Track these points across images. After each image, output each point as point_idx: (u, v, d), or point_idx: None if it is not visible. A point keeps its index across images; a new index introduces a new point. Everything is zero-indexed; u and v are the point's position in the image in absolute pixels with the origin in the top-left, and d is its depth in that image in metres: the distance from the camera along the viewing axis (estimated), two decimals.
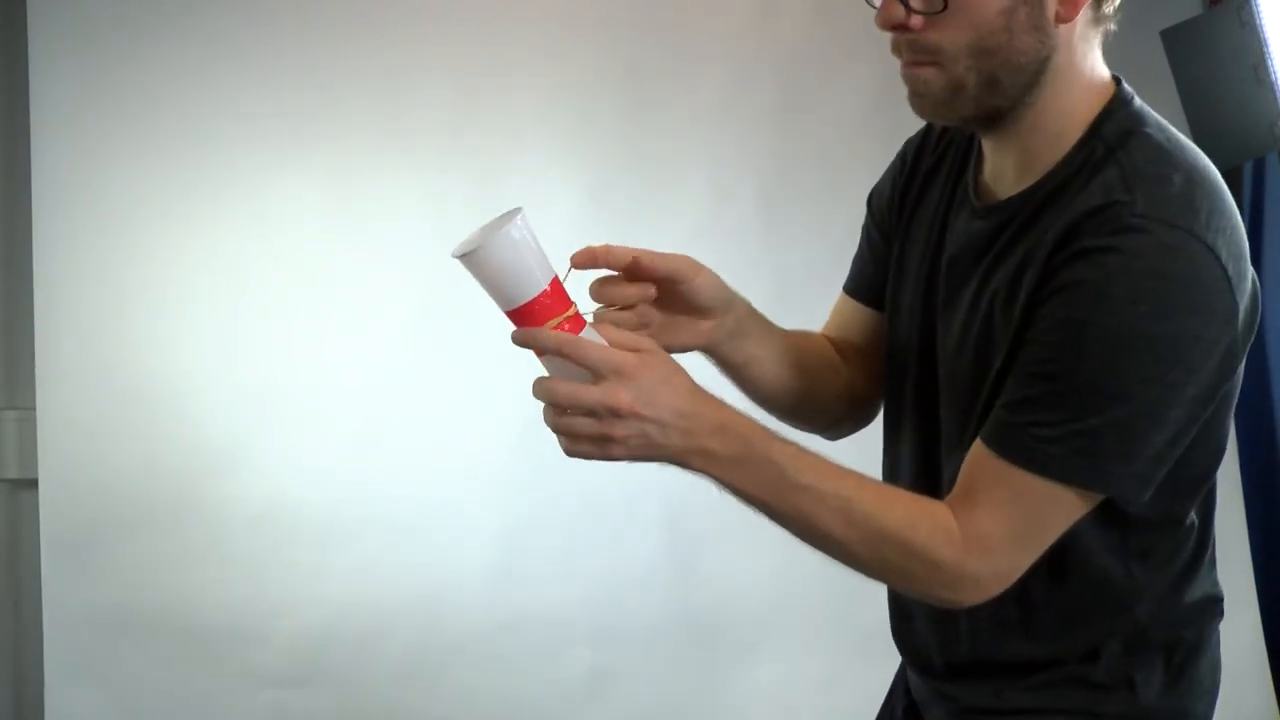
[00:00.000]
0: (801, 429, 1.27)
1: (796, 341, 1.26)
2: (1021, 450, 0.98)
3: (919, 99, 1.05)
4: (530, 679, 2.66)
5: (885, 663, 2.96)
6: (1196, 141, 2.71)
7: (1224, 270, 0.98)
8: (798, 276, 2.37)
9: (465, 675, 2.64)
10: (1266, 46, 2.32)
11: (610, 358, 0.95)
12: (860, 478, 1.04)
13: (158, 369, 2.52)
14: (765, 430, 1.01)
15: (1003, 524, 1.00)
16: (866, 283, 1.32)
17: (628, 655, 2.70)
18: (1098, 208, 0.98)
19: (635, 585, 2.70)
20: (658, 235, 2.70)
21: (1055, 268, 0.99)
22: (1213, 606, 1.16)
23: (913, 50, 1.03)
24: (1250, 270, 1.05)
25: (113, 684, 2.52)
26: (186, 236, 2.54)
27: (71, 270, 2.50)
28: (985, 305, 1.07)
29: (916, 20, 1.00)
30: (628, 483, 2.71)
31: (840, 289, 1.41)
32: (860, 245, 1.34)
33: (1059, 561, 1.05)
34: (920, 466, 1.20)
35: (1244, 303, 1.02)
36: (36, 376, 2.49)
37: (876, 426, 1.34)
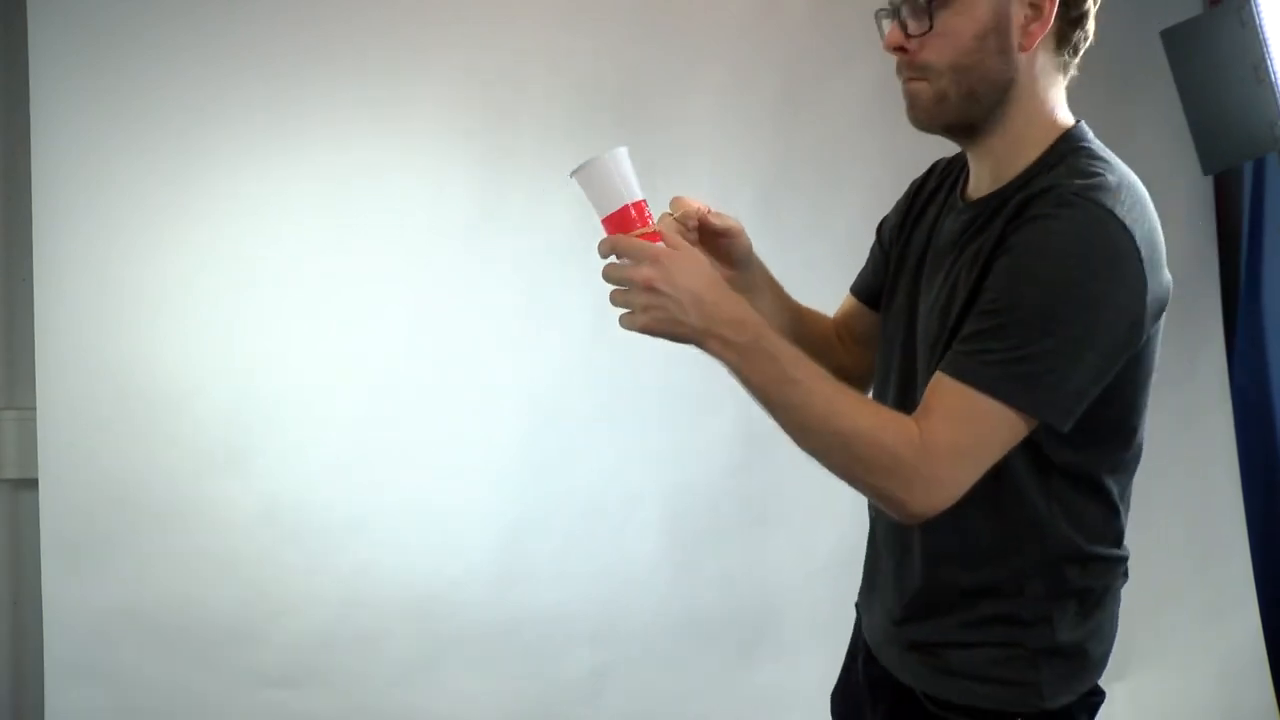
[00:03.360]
0: None
1: (804, 315, 1.54)
2: (971, 373, 1.19)
3: (913, 110, 1.30)
4: (530, 679, 2.66)
5: None
6: (1196, 141, 2.72)
7: (1137, 251, 1.19)
8: (797, 276, 2.35)
9: (465, 675, 2.64)
10: (1266, 46, 2.32)
11: (645, 247, 1.21)
12: (843, 385, 1.23)
13: (158, 369, 2.53)
14: (772, 331, 1.23)
15: (953, 435, 1.20)
16: (865, 286, 1.60)
17: (628, 655, 2.70)
18: (1046, 188, 1.23)
19: (635, 585, 2.71)
20: None
21: (1008, 234, 1.23)
22: (1119, 565, 1.36)
23: (909, 69, 1.28)
24: (1166, 276, 1.25)
25: (113, 684, 2.52)
26: (187, 236, 2.54)
27: (71, 270, 2.50)
28: (955, 273, 1.31)
29: (913, 42, 1.26)
30: (628, 483, 2.71)
31: (840, 286, 1.67)
32: (866, 261, 1.61)
33: (994, 495, 1.25)
34: None
35: (1155, 289, 1.22)
36: (36, 376, 2.49)
37: None
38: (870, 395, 1.50)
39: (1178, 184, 2.86)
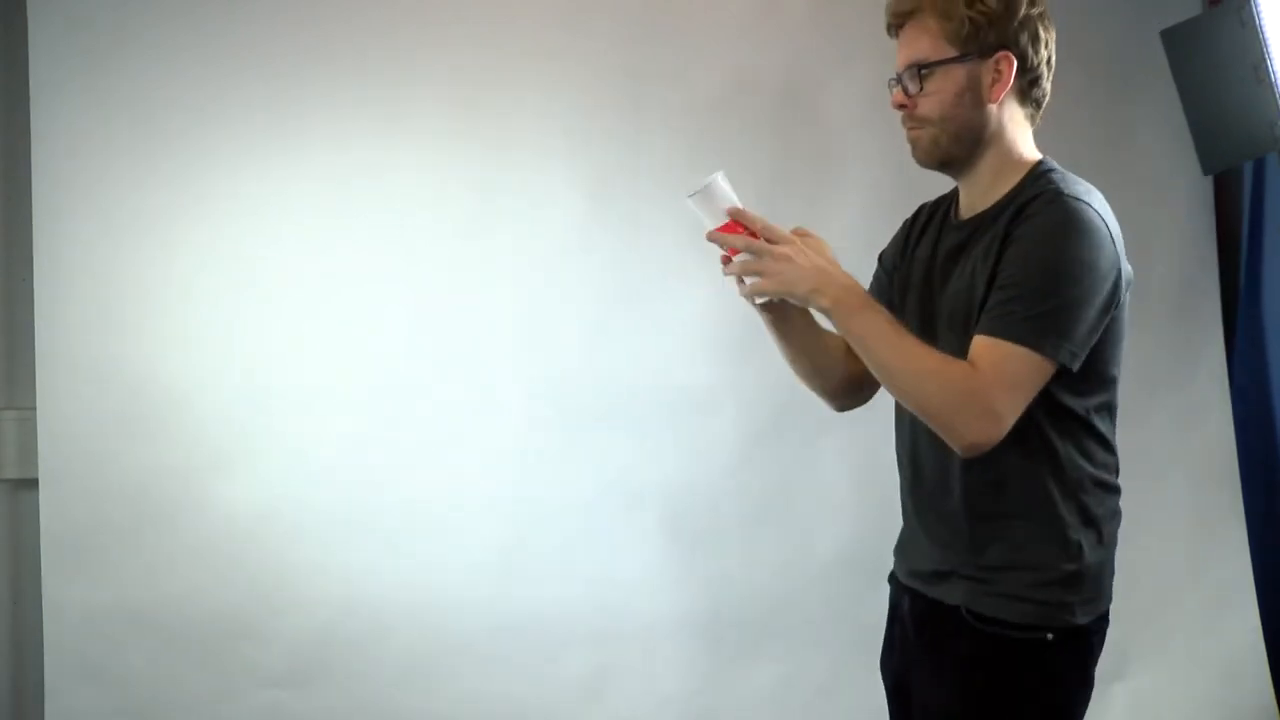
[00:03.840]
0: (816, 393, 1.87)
1: (825, 340, 1.81)
2: (1003, 330, 1.53)
3: (916, 151, 1.71)
4: (530, 679, 2.66)
5: None
6: (1196, 141, 2.72)
7: (1110, 234, 1.57)
8: None
9: (465, 675, 2.64)
10: (1266, 46, 2.32)
11: (786, 234, 1.60)
12: (919, 340, 1.59)
13: (158, 368, 2.53)
14: (870, 296, 1.61)
15: (997, 376, 1.52)
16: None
17: (628, 655, 2.70)
18: (1036, 195, 1.61)
19: (635, 585, 2.71)
20: (657, 234, 2.71)
21: (1011, 230, 1.59)
22: (1117, 495, 1.70)
23: (910, 120, 1.69)
24: (1128, 265, 1.61)
25: (113, 684, 2.52)
26: (187, 237, 2.54)
27: (71, 270, 2.50)
28: (971, 267, 1.65)
29: (912, 101, 1.68)
30: (628, 483, 2.71)
31: None
32: (871, 286, 1.88)
33: (1021, 437, 1.56)
34: None
35: (1123, 265, 1.59)
36: (36, 376, 2.49)
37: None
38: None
39: (1178, 184, 2.86)
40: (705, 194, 1.59)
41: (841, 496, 2.79)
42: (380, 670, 2.61)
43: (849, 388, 1.83)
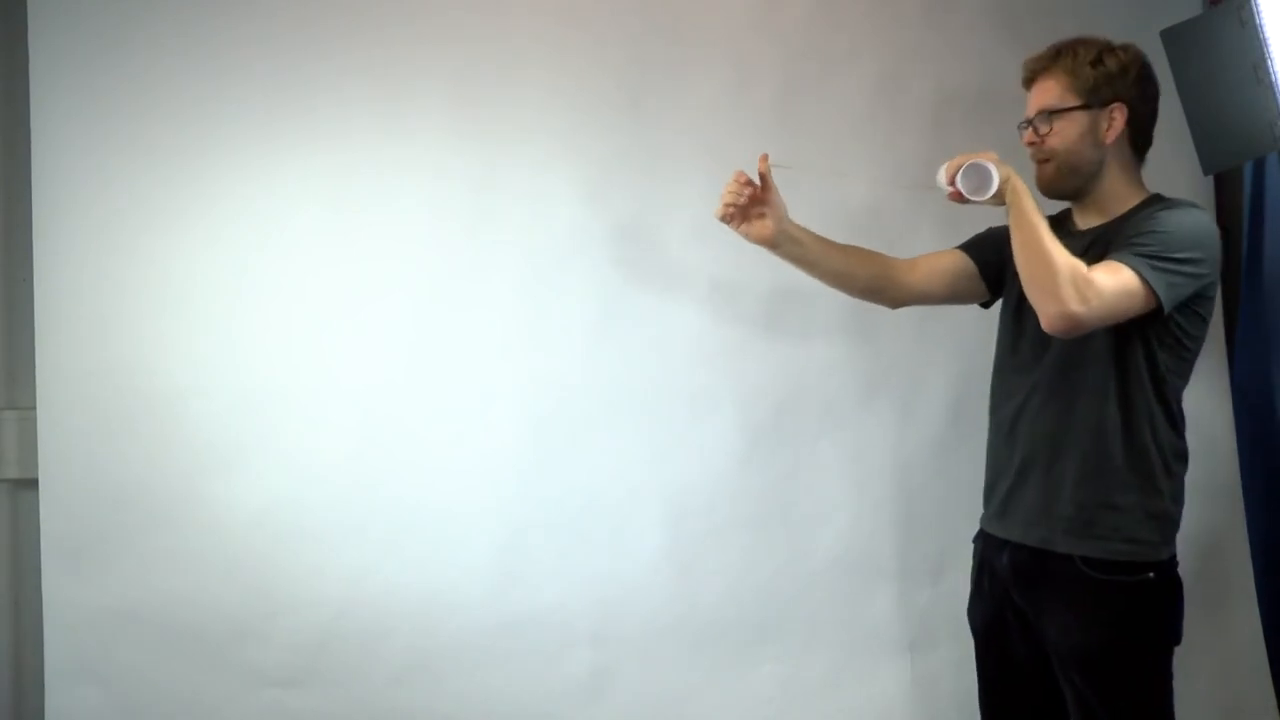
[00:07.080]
0: (864, 299, 2.38)
1: (835, 252, 2.31)
2: (1125, 259, 1.91)
3: (1040, 180, 2.11)
4: (530, 679, 2.66)
5: (885, 663, 2.96)
6: (1196, 141, 2.71)
7: (1214, 229, 1.99)
8: (798, 273, 2.38)
9: (465, 676, 2.64)
10: (1266, 46, 2.31)
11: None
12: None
13: (158, 369, 2.53)
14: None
15: (1104, 280, 1.88)
16: (979, 249, 2.31)
17: (628, 655, 2.70)
18: (1160, 204, 2.04)
19: (635, 585, 2.71)
20: (658, 232, 2.71)
21: (1126, 226, 1.99)
22: (1187, 455, 2.09)
23: (1038, 153, 2.11)
24: (1218, 269, 2.01)
25: (113, 684, 2.52)
26: (186, 237, 2.54)
27: (71, 270, 2.50)
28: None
29: (1041, 139, 2.10)
30: (628, 483, 2.71)
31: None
32: (985, 237, 2.31)
33: (1128, 393, 1.98)
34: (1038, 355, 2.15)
35: (1216, 261, 2.00)
36: (36, 376, 2.49)
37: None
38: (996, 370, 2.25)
39: (1178, 184, 2.85)
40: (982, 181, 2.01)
41: (841, 496, 2.79)
42: (380, 670, 2.61)
43: (881, 285, 2.30)
